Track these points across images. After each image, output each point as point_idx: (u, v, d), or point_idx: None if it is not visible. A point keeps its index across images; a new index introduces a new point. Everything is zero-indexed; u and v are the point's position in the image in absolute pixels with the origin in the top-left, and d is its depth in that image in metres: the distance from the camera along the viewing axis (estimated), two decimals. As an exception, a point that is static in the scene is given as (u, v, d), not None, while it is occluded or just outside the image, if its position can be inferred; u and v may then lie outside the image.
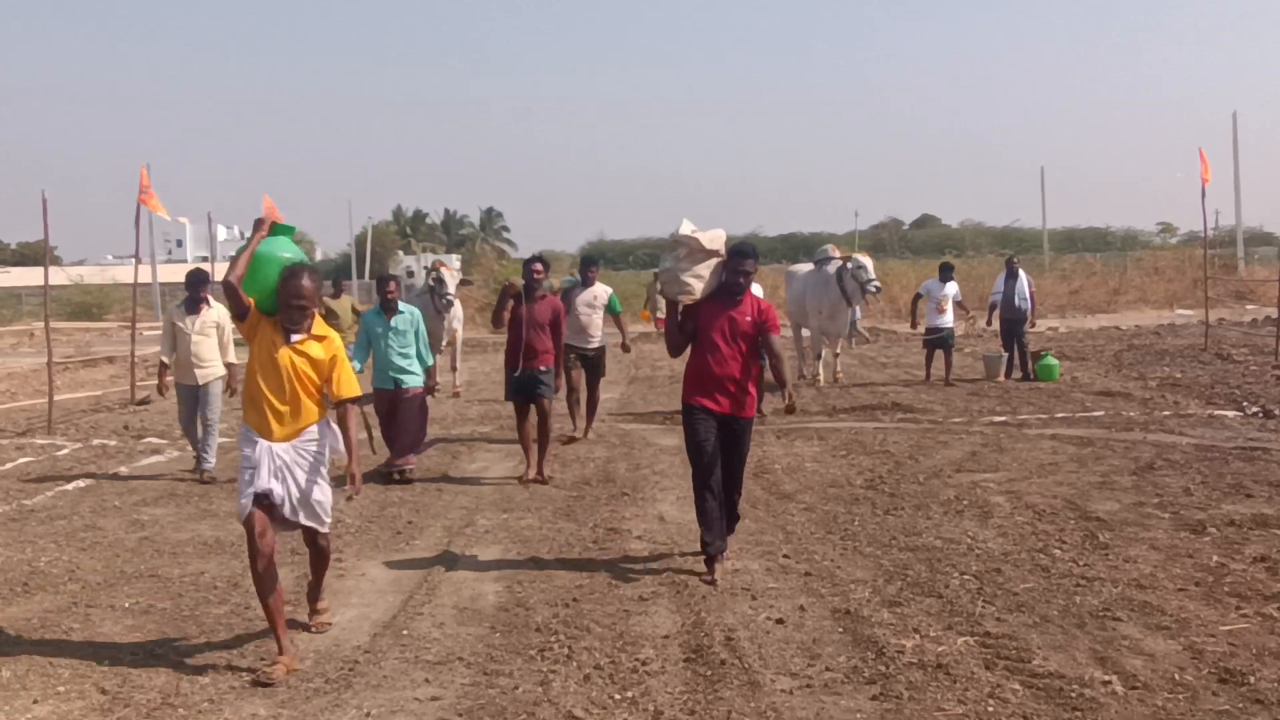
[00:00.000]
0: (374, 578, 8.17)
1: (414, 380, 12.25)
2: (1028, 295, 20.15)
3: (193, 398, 12.46)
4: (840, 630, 6.66)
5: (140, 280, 22.09)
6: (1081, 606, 7.00)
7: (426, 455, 13.55)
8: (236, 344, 11.53)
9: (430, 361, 12.54)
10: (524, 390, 11.93)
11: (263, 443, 6.52)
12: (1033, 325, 20.82)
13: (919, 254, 59.75)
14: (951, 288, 19.87)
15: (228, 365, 12.64)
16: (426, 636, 6.81)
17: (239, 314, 6.66)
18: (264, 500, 6.46)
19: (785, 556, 8.36)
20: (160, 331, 13.88)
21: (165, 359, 12.64)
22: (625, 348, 15.82)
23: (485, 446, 14.27)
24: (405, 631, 6.92)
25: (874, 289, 19.62)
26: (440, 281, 19.78)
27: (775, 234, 76.02)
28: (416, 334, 12.30)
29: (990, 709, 5.47)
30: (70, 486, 12.00)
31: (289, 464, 6.55)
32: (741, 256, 8.06)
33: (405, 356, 12.18)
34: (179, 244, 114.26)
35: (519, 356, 11.83)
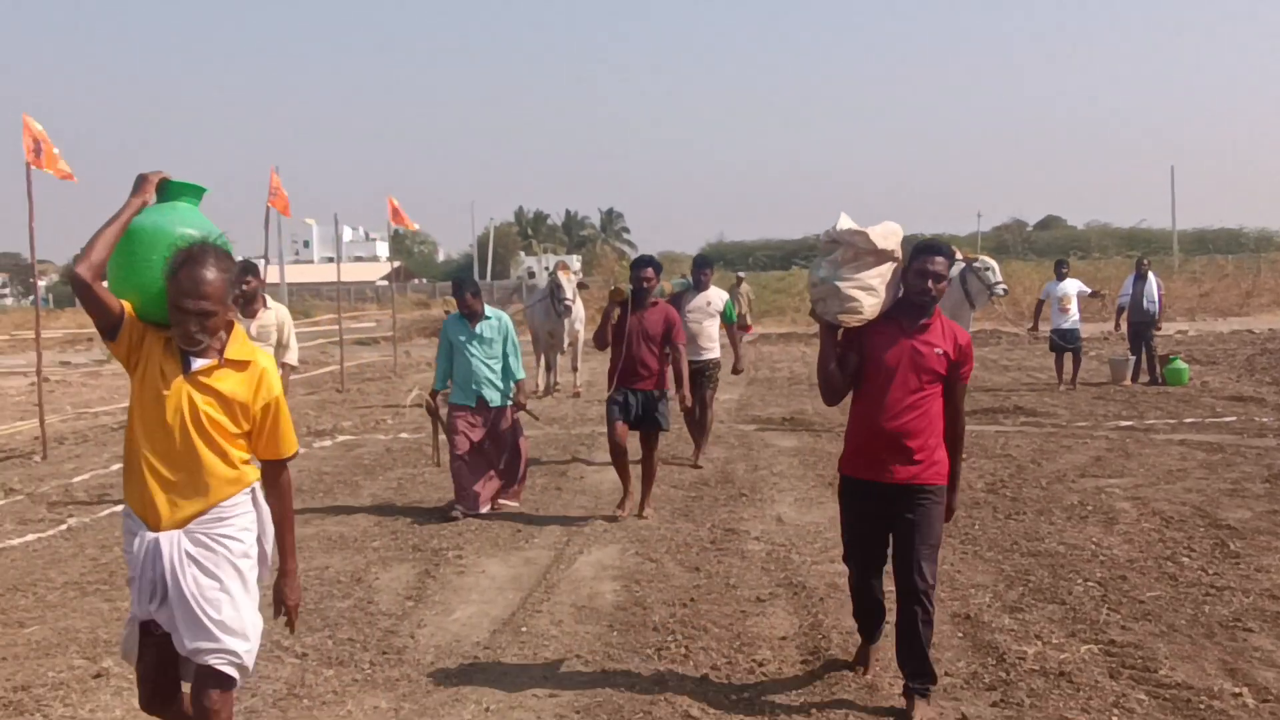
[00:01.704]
0: (493, 575, 8.25)
1: (500, 397, 10.53)
2: (1156, 298, 19.71)
3: None
4: (960, 635, 6.59)
5: (269, 280, 22.59)
6: (1211, 616, 6.83)
7: (544, 455, 13.63)
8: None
9: (521, 375, 10.68)
10: (635, 417, 9.98)
11: (146, 534, 4.27)
12: (1159, 328, 20.33)
13: (1043, 255, 58.86)
14: (1071, 285, 19.34)
15: (282, 366, 10.25)
16: (545, 634, 6.87)
17: (106, 328, 4.28)
18: (155, 632, 4.36)
19: (904, 560, 8.26)
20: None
21: None
22: (737, 369, 14.34)
23: (605, 446, 14.34)
24: (524, 629, 6.98)
25: (1001, 291, 19.36)
26: (559, 286, 19.89)
27: (898, 235, 75.41)
28: (506, 342, 10.62)
29: (1115, 719, 5.38)
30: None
31: (180, 568, 4.23)
32: (929, 254, 5.53)
33: (491, 369, 10.52)
34: (306, 245, 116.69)
35: (622, 375, 9.96)
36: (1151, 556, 8.16)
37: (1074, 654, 6.19)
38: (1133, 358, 19.86)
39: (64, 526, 10.14)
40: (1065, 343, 19.12)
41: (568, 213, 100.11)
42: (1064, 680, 5.80)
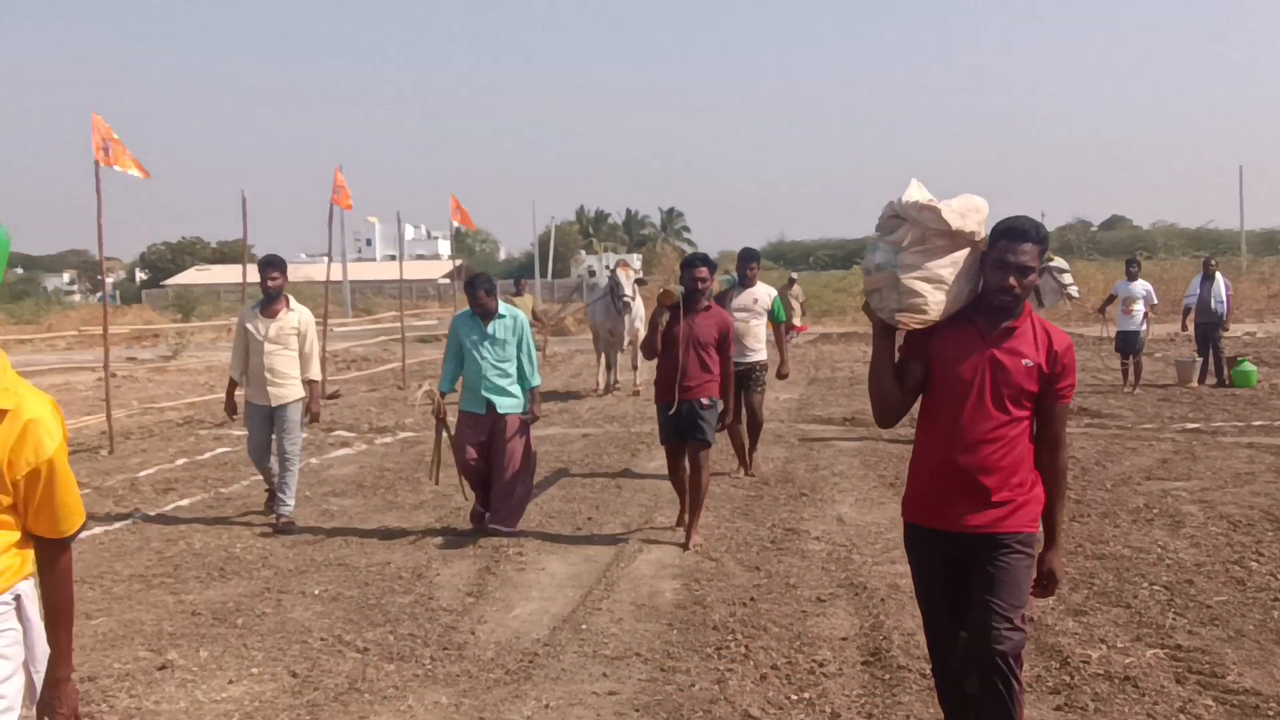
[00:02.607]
0: (554, 572, 8.27)
1: (512, 405, 9.55)
2: (1224, 298, 19.42)
3: (265, 421, 10.12)
4: (1023, 638, 6.51)
5: (332, 278, 22.77)
6: (1280, 621, 6.73)
7: (604, 453, 13.64)
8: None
9: (536, 381, 9.74)
10: (679, 430, 9.05)
11: None
12: (1226, 329, 20.03)
13: (1108, 256, 58.30)
14: (1140, 287, 18.95)
15: (308, 383, 10.24)
16: (605, 631, 6.87)
17: None
18: None
19: (966, 562, 8.20)
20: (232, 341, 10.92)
21: (235, 374, 10.28)
22: (782, 374, 12.85)
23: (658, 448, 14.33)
24: (584, 626, 6.99)
25: (1075, 294, 19.18)
26: (618, 284, 19.95)
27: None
28: (520, 344, 9.64)
29: (1181, 724, 5.30)
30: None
31: None
32: (1015, 240, 4.31)
33: (503, 374, 9.53)
34: (368, 243, 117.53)
35: (672, 386, 8.93)
36: (1219, 560, 8.05)
37: (1139, 658, 6.11)
38: (1199, 359, 19.61)
39: (130, 520, 10.28)
40: (1124, 345, 18.91)
41: (628, 212, 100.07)
42: (1129, 685, 5.73)
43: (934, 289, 4.32)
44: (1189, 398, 17.80)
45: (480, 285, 9.56)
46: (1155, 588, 7.44)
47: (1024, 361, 4.26)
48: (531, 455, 9.77)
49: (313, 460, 13.43)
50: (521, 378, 9.64)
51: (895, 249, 4.38)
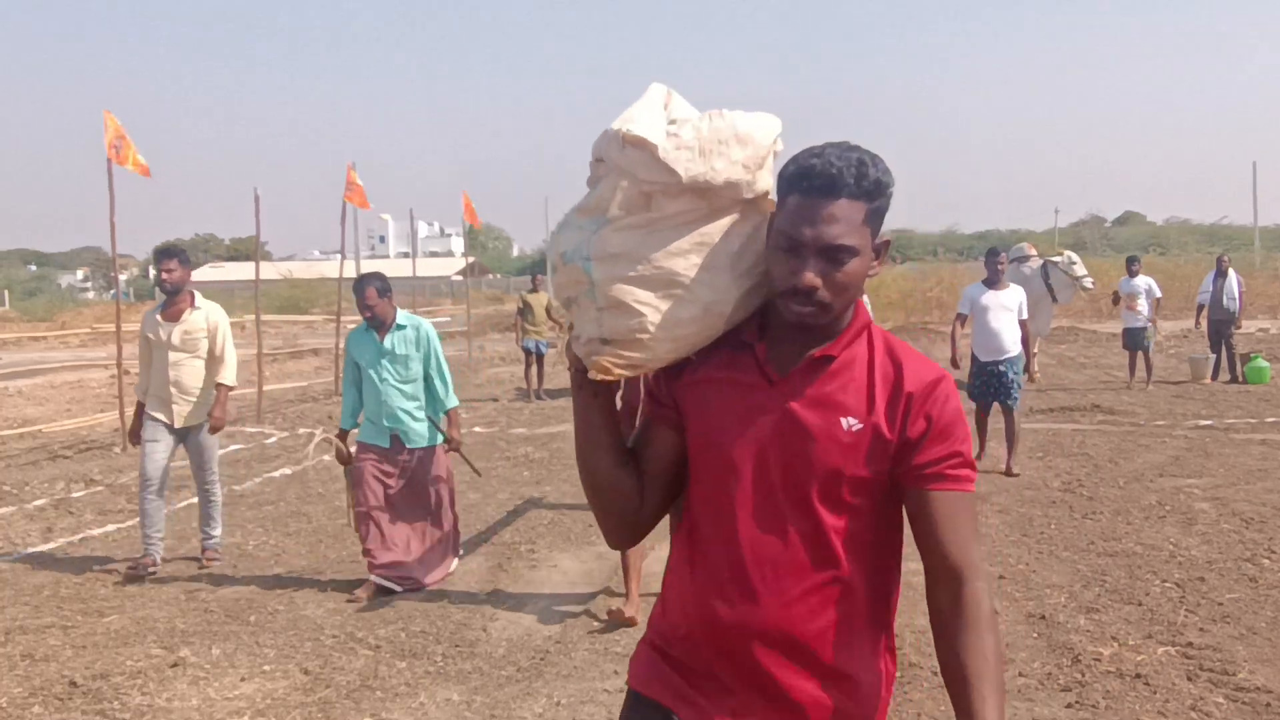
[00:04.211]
0: (565, 569, 8.28)
1: (422, 435, 7.91)
2: (1237, 295, 19.37)
3: (167, 443, 8.43)
4: (1035, 635, 6.52)
5: (345, 275, 22.83)
6: (1292, 619, 6.72)
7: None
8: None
9: (453, 403, 8.02)
10: None
11: None
12: (1238, 326, 19.98)
13: (1121, 251, 58.22)
14: (1141, 282, 18.79)
15: (217, 387, 8.56)
16: (616, 629, 6.88)
17: None
18: None
19: (978, 559, 8.19)
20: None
21: (141, 394, 8.62)
22: None
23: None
24: (595, 623, 6.99)
25: (1089, 285, 19.17)
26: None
27: (972, 231, 75.18)
28: (429, 359, 7.91)
29: (1192, 722, 5.30)
30: (277, 474, 12.45)
31: None
32: (816, 192, 2.19)
33: (407, 396, 7.83)
34: (381, 240, 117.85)
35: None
36: (1231, 558, 8.03)
37: (1150, 656, 6.10)
38: (1213, 356, 19.57)
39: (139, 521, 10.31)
40: (1131, 342, 18.87)
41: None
42: (1140, 682, 5.73)
43: (663, 300, 2.30)
44: (1202, 394, 17.75)
45: (370, 283, 7.80)
46: (1167, 585, 7.43)
47: (843, 423, 2.25)
48: (449, 487, 8.14)
49: (325, 457, 13.44)
50: (433, 400, 7.97)
51: (594, 222, 2.33)
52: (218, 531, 8.75)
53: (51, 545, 9.36)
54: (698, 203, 2.29)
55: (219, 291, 61.82)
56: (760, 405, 2.30)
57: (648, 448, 2.44)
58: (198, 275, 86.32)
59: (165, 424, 8.36)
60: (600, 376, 2.32)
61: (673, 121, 2.32)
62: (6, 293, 68.41)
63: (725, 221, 2.32)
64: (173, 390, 8.32)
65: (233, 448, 14.53)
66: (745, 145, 2.29)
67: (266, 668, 6.32)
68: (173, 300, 8.40)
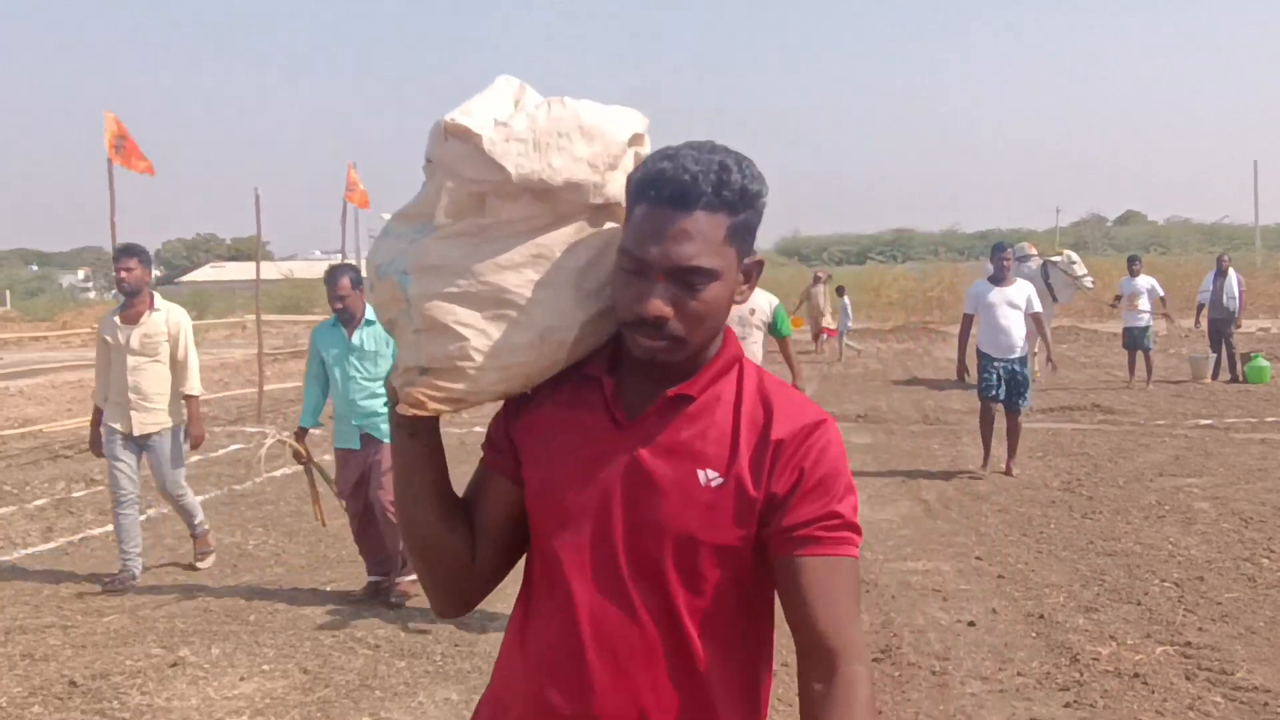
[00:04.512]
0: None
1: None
2: (1237, 294, 19.38)
3: (130, 453, 8.10)
4: (1033, 635, 6.52)
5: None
6: (1290, 618, 6.72)
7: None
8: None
9: None
10: None
11: None
12: (1238, 325, 19.99)
13: (1122, 251, 58.29)
14: (1143, 282, 18.83)
15: (185, 399, 8.21)
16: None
17: None
18: None
19: (978, 558, 8.21)
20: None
21: (99, 400, 8.21)
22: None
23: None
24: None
25: (1089, 284, 19.19)
26: None
27: (973, 230, 75.27)
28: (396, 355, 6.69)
29: (1190, 721, 5.30)
30: (278, 474, 12.45)
31: None
32: (668, 202, 1.81)
33: (375, 394, 7.50)
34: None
35: None
36: (1230, 557, 8.04)
37: (1149, 655, 6.11)
38: (1213, 355, 19.58)
39: (142, 517, 10.30)
40: (1132, 342, 18.86)
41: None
42: (1138, 682, 5.73)
43: (491, 322, 1.93)
44: (1202, 394, 17.76)
45: (344, 274, 7.54)
46: (1166, 584, 7.43)
47: (701, 476, 1.87)
48: None
49: (326, 457, 13.45)
50: None
51: (417, 230, 1.98)
52: (199, 517, 8.50)
53: (52, 545, 9.37)
54: (539, 208, 1.93)
55: (220, 291, 62.04)
56: (605, 453, 1.92)
57: (482, 499, 2.06)
58: (200, 275, 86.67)
59: (123, 434, 8.01)
60: (412, 411, 1.94)
61: (514, 113, 1.94)
62: (8, 292, 68.49)
63: (569, 231, 1.96)
64: (131, 396, 7.94)
65: (233, 448, 14.54)
66: (592, 140, 1.93)
67: (266, 667, 6.33)
68: (131, 301, 8.00)
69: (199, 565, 8.44)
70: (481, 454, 2.10)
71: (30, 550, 9.19)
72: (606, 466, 1.90)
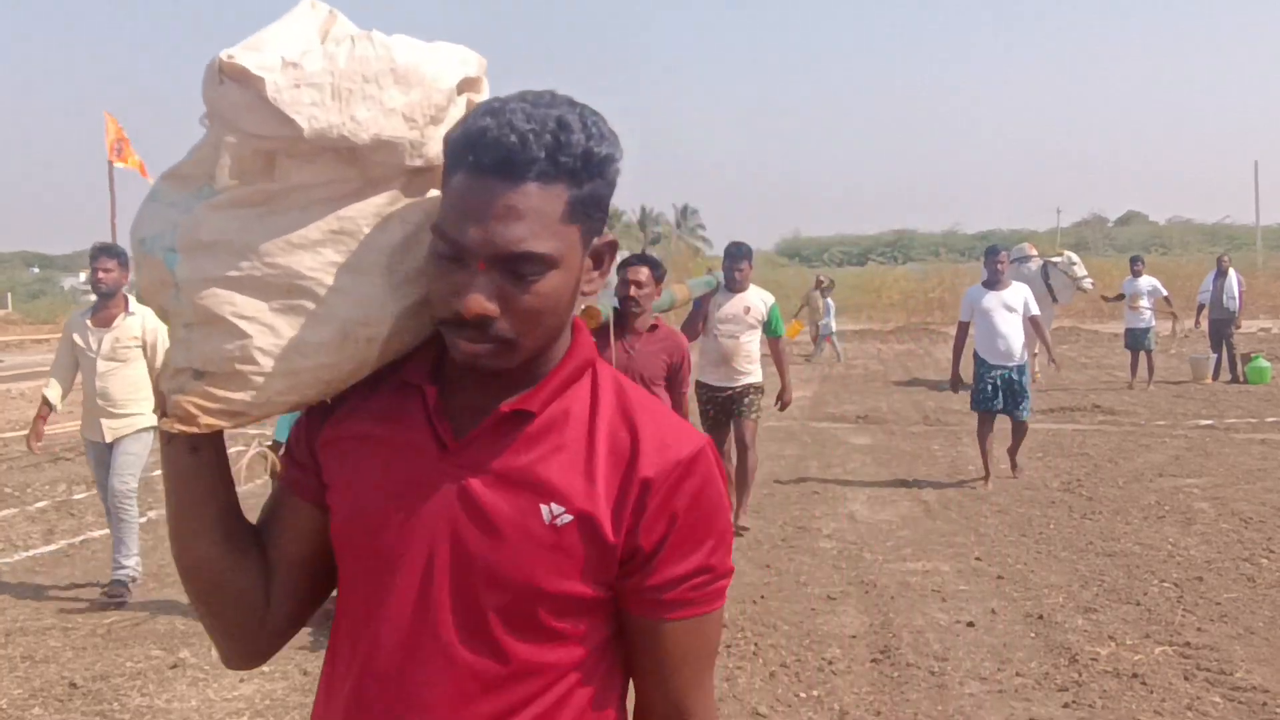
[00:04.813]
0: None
1: None
2: (1237, 295, 19.38)
3: (105, 463, 7.76)
4: (1032, 635, 6.53)
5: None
6: (1289, 618, 6.73)
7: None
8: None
9: None
10: None
11: None
12: (1238, 326, 20.00)
13: (1123, 251, 58.34)
14: (1145, 283, 18.81)
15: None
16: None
17: None
18: None
19: (977, 559, 8.22)
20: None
21: (49, 393, 7.82)
22: (783, 403, 9.61)
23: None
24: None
25: (1089, 285, 19.20)
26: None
27: (974, 231, 75.38)
28: None
29: (1189, 721, 5.31)
30: (259, 481, 12.46)
31: None
32: (491, 172, 1.40)
33: None
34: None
35: None
36: (1229, 558, 8.05)
37: (1148, 655, 6.11)
38: (1213, 356, 19.59)
39: (144, 519, 10.31)
40: (1133, 342, 18.86)
41: (643, 209, 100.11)
42: (1137, 682, 5.74)
43: (280, 315, 1.54)
44: (1203, 394, 17.78)
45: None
46: (1165, 585, 7.44)
47: (544, 511, 1.50)
48: None
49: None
50: None
51: (191, 196, 1.55)
52: (130, 561, 7.69)
53: (53, 547, 9.38)
54: (342, 171, 1.52)
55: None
56: (426, 479, 1.53)
57: (278, 528, 1.68)
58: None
59: (100, 444, 7.68)
60: (179, 427, 1.53)
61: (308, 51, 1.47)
62: (9, 295, 68.41)
63: (380, 200, 1.55)
64: (100, 402, 7.56)
65: (232, 449, 14.52)
66: (409, 87, 1.51)
67: (265, 669, 6.33)
68: (105, 304, 7.60)
69: (109, 598, 7.59)
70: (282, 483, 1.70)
71: (31, 552, 9.20)
72: (429, 497, 1.52)
